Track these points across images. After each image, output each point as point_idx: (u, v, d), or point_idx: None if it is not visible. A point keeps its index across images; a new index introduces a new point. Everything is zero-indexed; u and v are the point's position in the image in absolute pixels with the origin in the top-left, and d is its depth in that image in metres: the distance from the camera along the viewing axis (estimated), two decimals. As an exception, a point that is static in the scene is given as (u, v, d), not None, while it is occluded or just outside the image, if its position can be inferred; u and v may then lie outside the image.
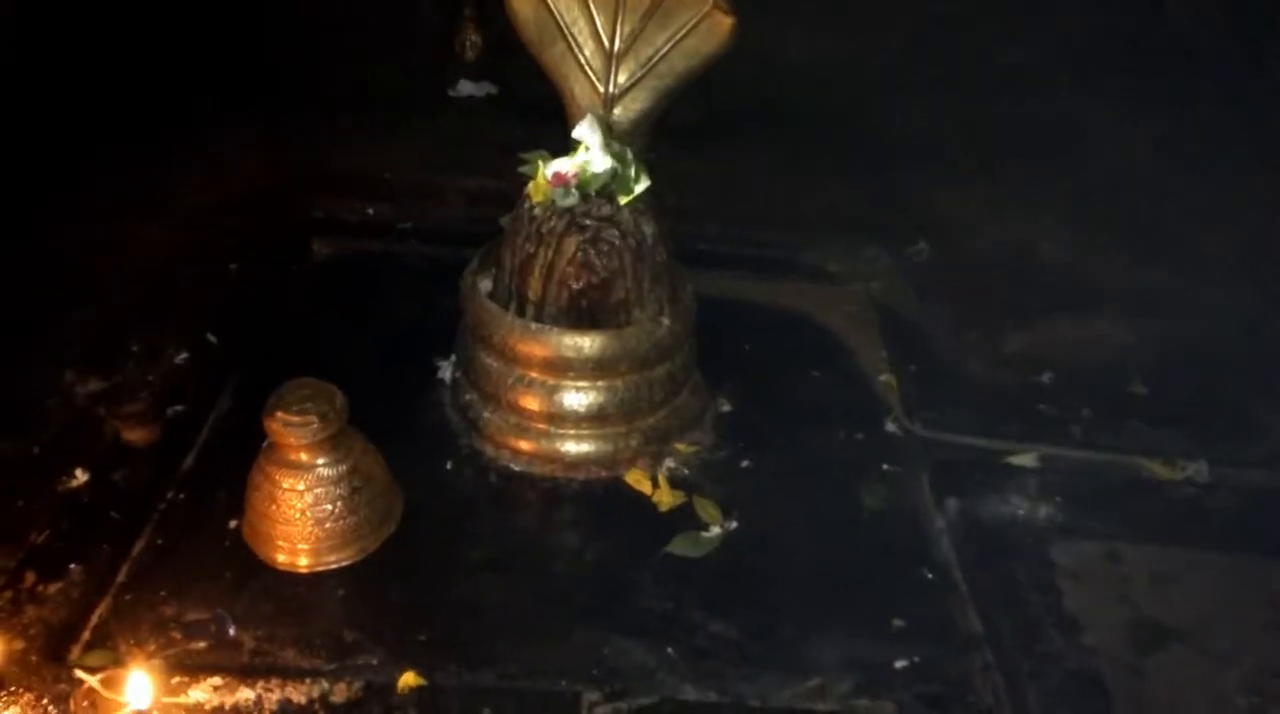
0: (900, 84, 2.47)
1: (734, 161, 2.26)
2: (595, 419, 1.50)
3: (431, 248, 2.01)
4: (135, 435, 1.46)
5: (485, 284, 1.55)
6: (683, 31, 1.42)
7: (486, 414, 1.53)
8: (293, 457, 1.27)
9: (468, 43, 2.46)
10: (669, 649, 1.26)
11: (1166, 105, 2.25)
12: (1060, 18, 2.40)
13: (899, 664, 1.28)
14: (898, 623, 1.33)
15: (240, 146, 2.18)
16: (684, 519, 1.45)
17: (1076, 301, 1.95)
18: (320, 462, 1.28)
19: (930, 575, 1.42)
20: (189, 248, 1.88)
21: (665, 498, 1.48)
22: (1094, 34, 2.39)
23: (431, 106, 2.40)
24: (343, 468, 1.30)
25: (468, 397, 1.57)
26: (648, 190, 1.45)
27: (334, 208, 2.08)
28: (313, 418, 1.25)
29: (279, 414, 1.25)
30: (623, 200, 1.43)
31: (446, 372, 1.66)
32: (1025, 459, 1.62)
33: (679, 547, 1.40)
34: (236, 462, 1.37)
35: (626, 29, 1.42)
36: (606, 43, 1.43)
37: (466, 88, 2.43)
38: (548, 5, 1.43)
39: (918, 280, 2.03)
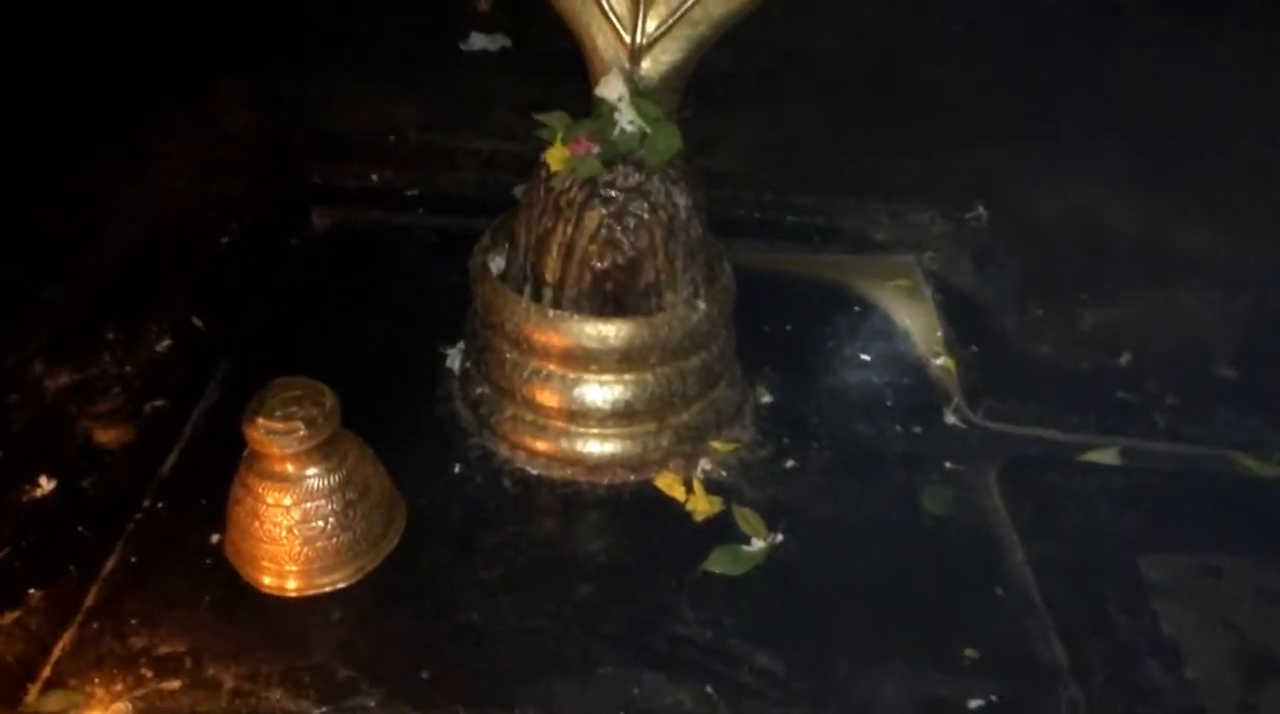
0: (950, 37, 2.23)
1: (767, 118, 2.06)
2: (621, 416, 1.33)
3: (440, 218, 1.85)
4: (109, 436, 1.31)
5: (497, 262, 1.38)
6: (721, -29, 1.23)
7: (500, 410, 1.37)
8: (277, 467, 1.11)
9: (482, -10, 2.25)
10: (708, 687, 1.10)
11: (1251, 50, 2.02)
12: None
13: (973, 704, 1.11)
14: (970, 653, 1.16)
15: (233, 106, 2.00)
16: (722, 530, 1.28)
17: (1153, 272, 1.74)
18: (309, 472, 1.12)
19: (1003, 593, 1.24)
20: (175, 218, 1.71)
21: (701, 505, 1.31)
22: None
23: (440, 62, 2.20)
24: (335, 479, 1.13)
25: (479, 390, 1.40)
26: (680, 155, 1.28)
27: (334, 173, 1.91)
28: (298, 424, 1.09)
29: (259, 420, 1.09)
30: (652, 167, 1.25)
31: (455, 360, 1.50)
32: (1105, 455, 1.45)
33: (717, 564, 1.23)
34: (222, 465, 1.20)
35: (655, -32, 1.23)
36: (633, -15, 1.24)
37: (479, 40, 2.23)
38: (565, -58, 1.23)
39: (975, 249, 1.84)
